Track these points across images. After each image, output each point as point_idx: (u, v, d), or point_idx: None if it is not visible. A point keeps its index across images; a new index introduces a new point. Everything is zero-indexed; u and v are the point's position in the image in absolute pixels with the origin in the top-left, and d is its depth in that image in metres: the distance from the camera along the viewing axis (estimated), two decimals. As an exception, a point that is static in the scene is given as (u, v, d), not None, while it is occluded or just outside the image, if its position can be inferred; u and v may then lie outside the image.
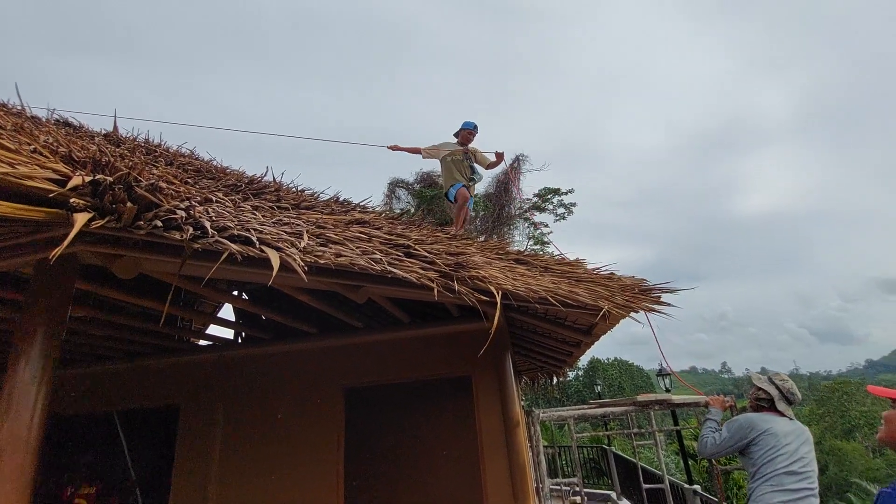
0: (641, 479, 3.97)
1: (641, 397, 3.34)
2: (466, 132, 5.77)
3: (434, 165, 6.24)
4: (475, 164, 5.71)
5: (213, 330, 6.96)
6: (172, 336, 5.03)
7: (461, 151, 5.63)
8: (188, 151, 4.36)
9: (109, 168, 1.68)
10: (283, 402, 4.30)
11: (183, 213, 1.46)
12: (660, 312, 3.08)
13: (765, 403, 2.74)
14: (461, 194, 5.47)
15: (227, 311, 6.30)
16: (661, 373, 11.90)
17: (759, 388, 2.78)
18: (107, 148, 2.68)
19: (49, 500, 4.80)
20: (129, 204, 1.38)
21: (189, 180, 2.67)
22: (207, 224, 1.49)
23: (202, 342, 5.07)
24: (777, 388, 2.72)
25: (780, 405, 2.66)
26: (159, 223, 1.38)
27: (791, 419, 2.64)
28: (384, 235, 2.38)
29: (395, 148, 5.96)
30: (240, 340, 5.14)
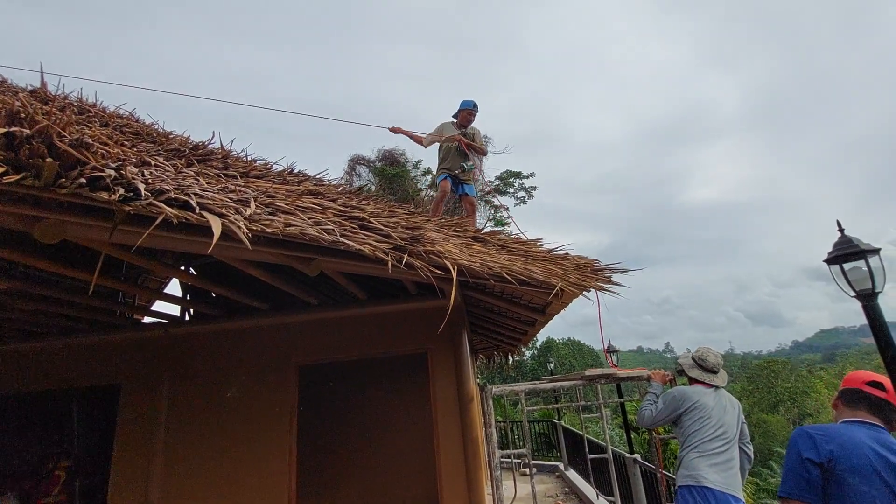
0: (587, 450, 4.19)
1: (589, 372, 3.49)
2: (466, 112, 5.38)
3: (405, 142, 6.08)
4: (469, 152, 5.38)
5: (160, 306, 6.60)
6: (114, 312, 4.75)
7: (456, 137, 5.30)
8: (127, 113, 4.03)
9: (28, 121, 1.52)
10: (233, 381, 4.16)
11: (113, 173, 1.34)
12: (610, 292, 3.20)
13: (686, 373, 2.99)
14: (442, 186, 5.31)
15: (174, 287, 6.02)
16: (610, 349, 12.77)
17: (677, 362, 3.06)
18: (31, 103, 2.42)
19: (34, 474, 4.91)
20: (48, 159, 1.25)
21: (126, 142, 2.47)
22: (141, 186, 1.38)
23: (147, 319, 4.82)
24: (691, 357, 2.98)
25: (693, 372, 2.90)
26: (83, 181, 1.27)
27: (717, 388, 2.85)
28: (338, 207, 2.31)
29: (397, 130, 5.56)
30: (188, 317, 4.91)
